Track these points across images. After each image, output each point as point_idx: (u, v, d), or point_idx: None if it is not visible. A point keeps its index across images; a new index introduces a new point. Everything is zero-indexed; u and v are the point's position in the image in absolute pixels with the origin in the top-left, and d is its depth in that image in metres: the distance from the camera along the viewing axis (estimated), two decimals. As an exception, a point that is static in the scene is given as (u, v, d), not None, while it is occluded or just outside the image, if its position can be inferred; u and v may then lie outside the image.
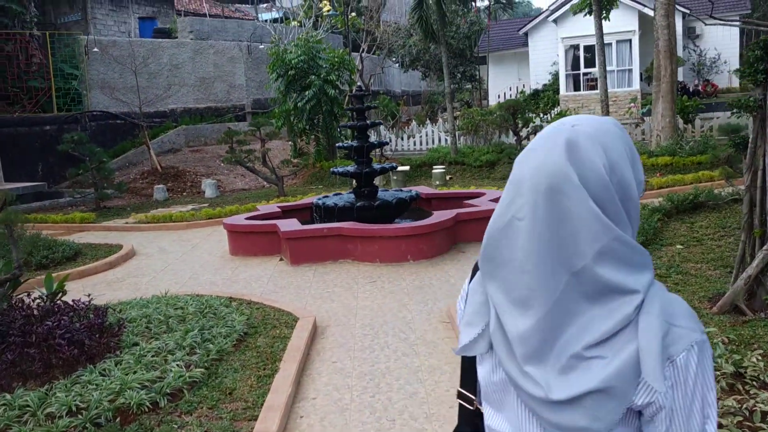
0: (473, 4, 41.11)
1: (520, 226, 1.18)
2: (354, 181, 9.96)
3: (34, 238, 9.61)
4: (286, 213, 10.71)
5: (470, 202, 9.79)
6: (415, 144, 21.15)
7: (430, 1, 17.26)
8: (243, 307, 6.30)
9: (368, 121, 9.82)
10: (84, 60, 21.66)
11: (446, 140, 20.35)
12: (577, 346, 1.13)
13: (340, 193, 10.60)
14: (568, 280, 1.13)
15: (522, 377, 1.16)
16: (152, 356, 4.91)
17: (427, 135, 21.09)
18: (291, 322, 5.91)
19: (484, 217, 8.83)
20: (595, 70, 28.56)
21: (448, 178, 15.79)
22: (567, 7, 28.46)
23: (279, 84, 18.54)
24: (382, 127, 20.97)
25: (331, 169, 9.88)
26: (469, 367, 1.41)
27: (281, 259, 8.83)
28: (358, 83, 9.64)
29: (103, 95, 21.79)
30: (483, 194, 10.54)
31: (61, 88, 21.46)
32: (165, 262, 9.45)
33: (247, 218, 9.70)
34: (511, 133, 19.11)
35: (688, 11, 28.88)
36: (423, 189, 11.84)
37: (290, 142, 19.72)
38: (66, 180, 18.96)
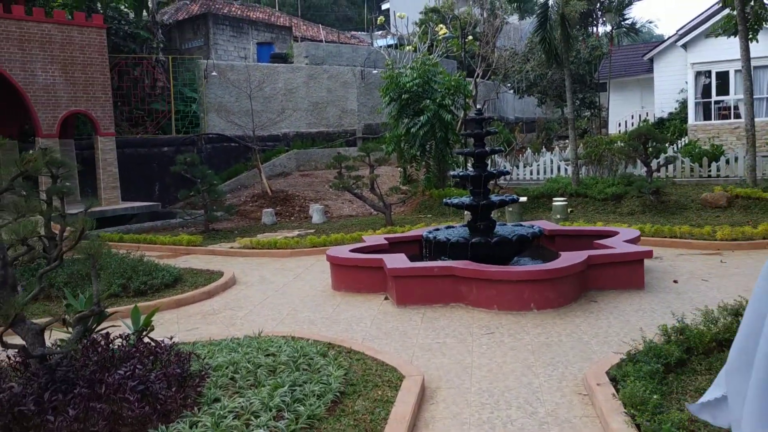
0: (594, 28, 39.38)
1: None
2: (469, 214, 9.04)
3: (136, 263, 9.32)
4: (393, 246, 9.93)
5: (601, 242, 8.60)
6: (531, 173, 19.92)
7: (554, 23, 16.16)
8: (341, 357, 5.49)
9: (487, 148, 8.90)
10: (203, 83, 22.11)
11: (566, 170, 19.01)
12: None
13: (452, 226, 9.71)
14: None
15: None
16: (233, 419, 4.18)
17: (545, 164, 19.82)
18: (395, 381, 5.04)
19: (621, 261, 7.69)
20: (728, 98, 26.39)
21: (569, 211, 14.51)
22: (698, 31, 26.52)
23: (391, 108, 17.97)
24: (496, 156, 19.95)
25: (444, 200, 9.01)
26: None
27: (386, 298, 8.01)
28: (478, 106, 8.70)
29: (218, 118, 22.12)
30: (615, 233, 9.30)
31: (180, 111, 21.99)
32: (264, 294, 8.87)
33: (351, 250, 8.99)
34: (638, 163, 17.56)
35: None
36: (544, 224, 10.72)
37: (399, 169, 19.05)
38: (180, 201, 19.18)
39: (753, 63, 26.08)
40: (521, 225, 9.47)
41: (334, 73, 25.38)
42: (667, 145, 16.16)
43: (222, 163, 22.26)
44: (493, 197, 8.99)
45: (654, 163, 15.96)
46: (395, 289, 7.53)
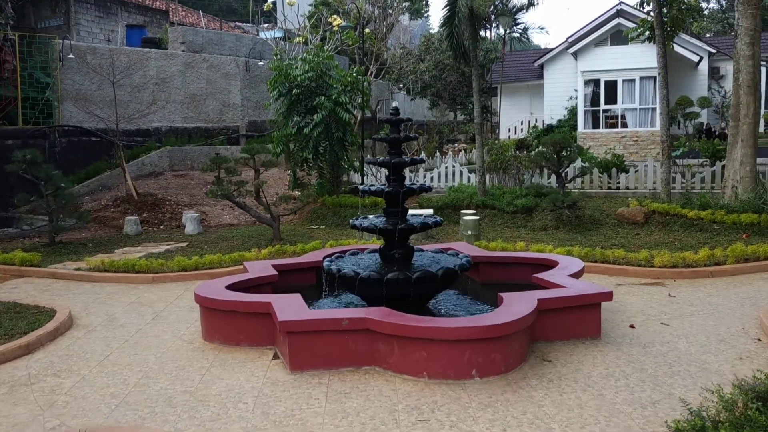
0: (488, 32, 38.87)
1: None
2: (382, 239, 7.15)
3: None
4: (284, 274, 7.89)
5: (543, 277, 6.98)
6: (432, 180, 18.40)
7: (463, 16, 14.64)
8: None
9: (406, 157, 7.06)
10: (57, 67, 18.92)
11: (469, 178, 17.63)
12: None
13: (358, 253, 7.79)
14: None
15: None
16: None
17: (446, 170, 18.36)
18: None
19: (576, 305, 6.07)
20: (616, 107, 26.34)
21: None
22: (588, 39, 26.35)
23: (280, 104, 15.82)
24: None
25: (352, 222, 7.08)
26: None
27: (276, 356, 5.97)
28: (394, 104, 6.82)
29: (77, 108, 19.00)
30: (553, 262, 7.74)
31: (31, 98, 18.70)
32: (108, 347, 6.57)
33: (230, 286, 6.86)
34: (546, 173, 16.45)
35: (714, 50, 26.79)
36: (463, 247, 9.04)
37: (289, 173, 16.93)
38: (19, 206, 16.06)
39: (640, 74, 26.44)
40: (442, 252, 7.71)
41: (215, 62, 22.78)
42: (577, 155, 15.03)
43: (81, 160, 19.16)
44: (413, 219, 7.16)
45: (568, 173, 14.84)
46: (289, 350, 5.51)
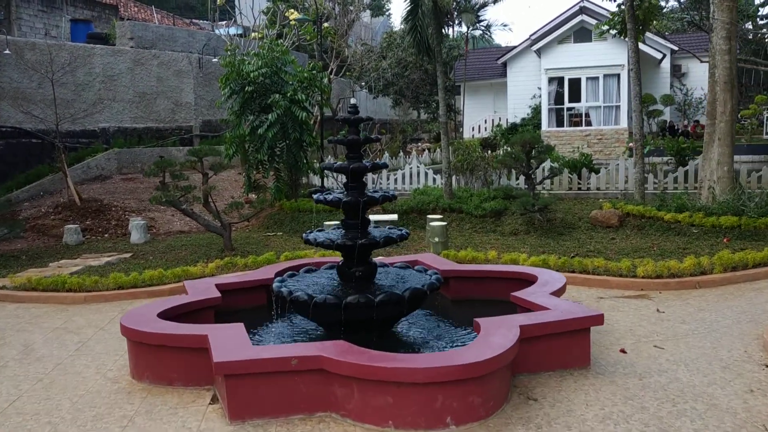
0: (451, 29, 38.18)
1: None
2: (341, 255, 6.26)
3: None
4: (230, 295, 6.95)
5: (521, 296, 6.16)
6: (396, 182, 17.56)
7: (427, 9, 13.83)
8: None
9: (367, 161, 6.18)
10: (-8, 64, 17.57)
11: (434, 179, 16.84)
12: None
13: (314, 269, 6.88)
14: None
15: None
16: None
17: (410, 171, 17.54)
18: None
19: (563, 332, 5.27)
20: (579, 105, 25.93)
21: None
22: (552, 37, 25.87)
23: (233, 102, 14.80)
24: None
25: (305, 236, 6.17)
26: None
27: (214, 400, 5.05)
28: (353, 100, 5.92)
29: (14, 108, 17.66)
30: (531, 277, 6.95)
31: (-38, 97, 17.35)
32: (17, 389, 5.55)
33: (163, 313, 5.89)
34: (514, 174, 15.74)
35: (676, 48, 26.60)
36: (431, 259, 8.21)
37: (244, 175, 15.91)
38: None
39: (604, 71, 26.05)
40: (408, 267, 6.84)
41: (165, 59, 21.58)
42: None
43: (20, 163, 17.85)
44: (376, 231, 6.28)
45: (538, 174, 14.15)
46: (227, 396, 4.59)
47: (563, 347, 5.41)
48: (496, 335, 4.91)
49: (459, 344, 5.78)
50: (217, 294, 6.63)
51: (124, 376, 5.72)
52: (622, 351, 5.99)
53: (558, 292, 6.43)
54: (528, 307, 5.95)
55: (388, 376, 4.35)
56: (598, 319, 5.53)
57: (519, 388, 5.13)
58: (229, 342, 4.93)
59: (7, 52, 17.61)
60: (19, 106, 17.61)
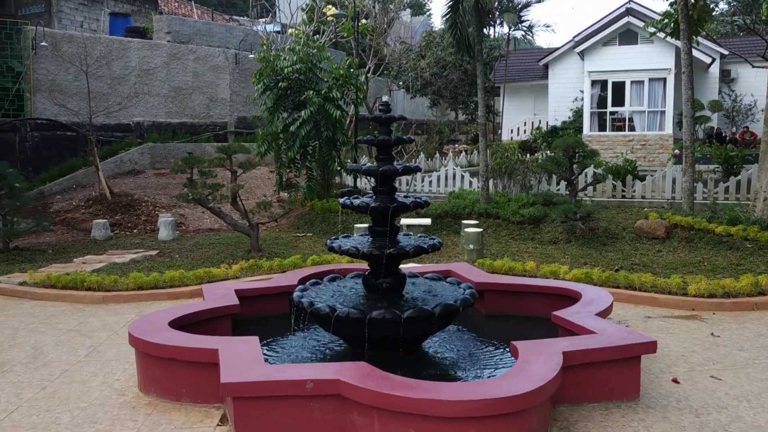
0: (492, 29, 37.46)
1: None
2: (367, 264, 5.79)
3: None
4: (250, 301, 6.55)
5: (564, 316, 5.62)
6: (431, 184, 17.04)
7: (468, 5, 13.29)
8: None
9: (398, 164, 5.72)
10: (30, 56, 17.54)
11: (471, 182, 16.28)
12: None
13: (338, 277, 6.43)
14: None
15: None
16: None
17: (446, 174, 17.00)
18: None
19: (610, 360, 4.73)
20: (623, 110, 25.07)
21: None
22: (596, 39, 25.07)
23: (266, 98, 14.46)
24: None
25: (329, 243, 5.71)
26: None
27: (224, 420, 4.63)
28: (385, 98, 5.42)
29: (50, 100, 17.62)
30: (575, 294, 6.39)
31: (1, 88, 17.32)
32: (18, 398, 5.21)
33: (175, 321, 5.51)
34: (555, 179, 15.09)
35: (726, 52, 25.55)
36: (465, 269, 7.69)
37: (276, 174, 15.56)
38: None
39: (649, 75, 25.11)
40: (440, 278, 6.34)
41: (202, 54, 21.40)
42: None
43: (54, 156, 17.82)
44: (405, 240, 5.80)
45: (581, 181, 13.51)
46: (236, 420, 4.16)
47: (610, 376, 4.86)
48: (537, 363, 4.39)
49: (493, 367, 5.28)
50: (236, 301, 6.22)
51: (131, 387, 5.34)
52: (675, 381, 5.41)
53: (604, 313, 5.86)
54: (571, 329, 5.41)
55: (412, 407, 3.87)
56: (651, 347, 4.96)
57: (559, 422, 4.60)
58: (240, 359, 4.50)
59: (44, 44, 17.57)
60: (54, 98, 17.55)
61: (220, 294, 6.46)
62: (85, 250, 12.38)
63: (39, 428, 4.63)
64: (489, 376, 5.08)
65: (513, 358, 4.86)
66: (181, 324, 5.57)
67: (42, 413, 4.89)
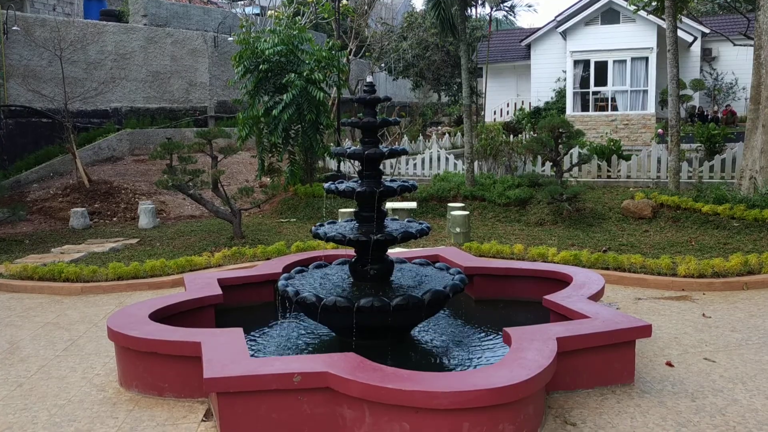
0: (474, 9, 37.13)
1: None
2: (354, 250, 5.62)
3: None
4: (233, 290, 6.37)
5: (556, 300, 5.50)
6: (415, 167, 16.87)
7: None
8: None
9: (384, 147, 5.53)
10: (1, 40, 17.05)
11: (455, 164, 16.13)
12: None
13: (324, 265, 6.25)
14: None
15: None
16: None
17: (431, 156, 16.83)
18: None
19: (604, 345, 4.62)
20: (606, 89, 25.01)
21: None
22: (578, 18, 24.91)
23: (247, 82, 14.17)
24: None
25: (314, 230, 5.54)
26: None
27: (208, 415, 4.46)
28: (369, 78, 5.23)
29: (24, 86, 17.16)
30: (566, 278, 6.28)
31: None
32: (-7, 394, 5.02)
33: (155, 313, 5.32)
34: (540, 160, 14.99)
35: (707, 30, 25.49)
36: (451, 254, 7.54)
37: (258, 159, 15.30)
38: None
39: (632, 54, 25.01)
40: (428, 264, 6.19)
41: (180, 37, 20.97)
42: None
43: (30, 143, 17.42)
44: (392, 225, 5.63)
45: (566, 161, 13.41)
46: (221, 417, 4.00)
47: (604, 362, 4.75)
48: (530, 350, 4.26)
49: (485, 354, 5.16)
50: (218, 291, 6.03)
51: (111, 382, 5.15)
52: (669, 364, 5.32)
53: (596, 296, 5.76)
54: (563, 314, 5.29)
55: (404, 400, 3.72)
56: (646, 331, 4.85)
57: (554, 409, 4.48)
58: (224, 352, 4.33)
59: (15, 28, 17.09)
60: (28, 84, 17.10)
61: (203, 283, 6.27)
62: (63, 240, 12.10)
63: (15, 428, 4.43)
64: (481, 364, 4.96)
65: (505, 344, 4.73)
66: (162, 316, 5.38)
67: (18, 412, 4.70)
